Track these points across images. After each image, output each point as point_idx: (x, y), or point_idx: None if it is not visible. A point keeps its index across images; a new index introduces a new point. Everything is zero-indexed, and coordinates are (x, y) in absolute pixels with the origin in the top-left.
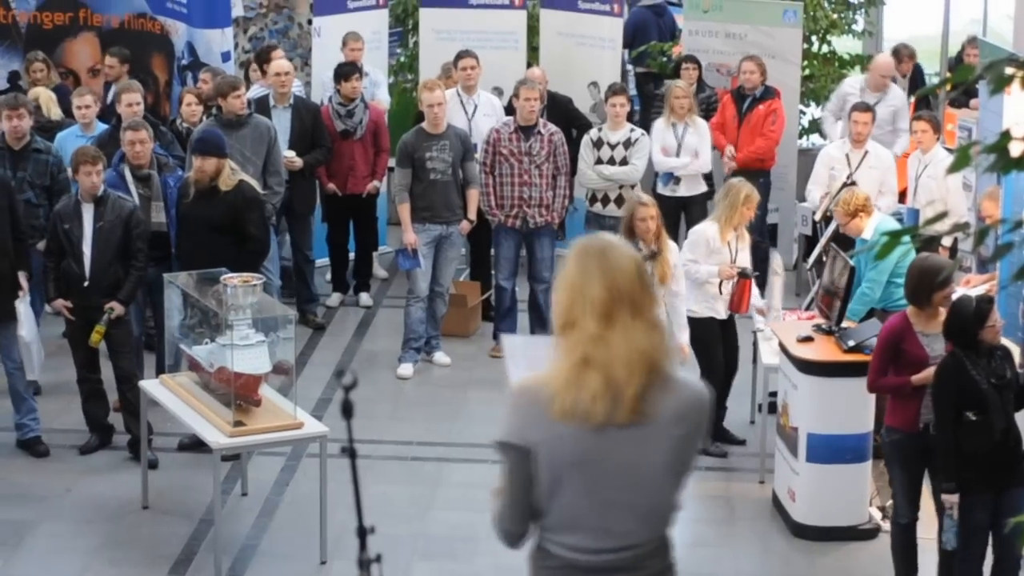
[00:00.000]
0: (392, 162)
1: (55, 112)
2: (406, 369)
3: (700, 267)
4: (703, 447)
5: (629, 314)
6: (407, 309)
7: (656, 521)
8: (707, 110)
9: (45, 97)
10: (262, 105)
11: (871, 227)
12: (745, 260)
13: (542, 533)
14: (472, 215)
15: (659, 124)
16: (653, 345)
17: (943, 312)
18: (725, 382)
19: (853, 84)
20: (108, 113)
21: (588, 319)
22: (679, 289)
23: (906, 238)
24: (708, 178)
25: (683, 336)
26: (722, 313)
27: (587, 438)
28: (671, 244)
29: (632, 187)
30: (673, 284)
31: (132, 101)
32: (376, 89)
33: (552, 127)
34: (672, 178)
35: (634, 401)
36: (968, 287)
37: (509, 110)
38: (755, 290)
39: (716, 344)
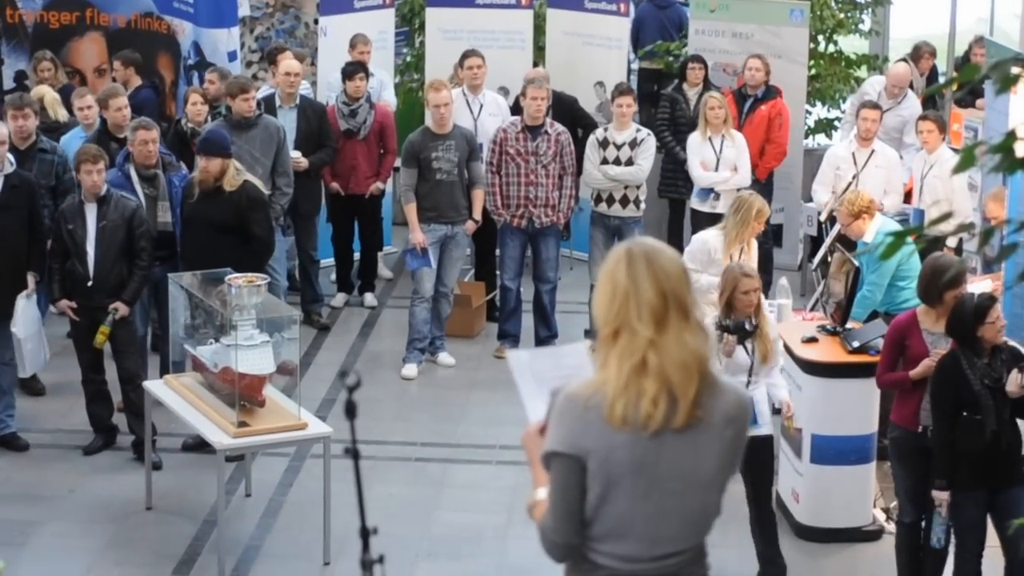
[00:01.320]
0: (398, 162)
1: (61, 113)
2: (410, 370)
3: (700, 276)
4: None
5: (680, 317)
6: (412, 309)
7: (701, 527)
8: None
9: (50, 98)
10: (268, 105)
11: (873, 229)
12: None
13: (587, 543)
14: (477, 215)
15: (695, 138)
16: (703, 347)
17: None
18: None
19: (874, 84)
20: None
21: (642, 324)
22: (778, 364)
23: (908, 240)
24: None
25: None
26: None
27: (644, 444)
28: (770, 318)
29: (637, 187)
30: (772, 360)
31: (121, 105)
32: (383, 90)
33: (559, 127)
34: (712, 194)
35: (691, 405)
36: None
37: (515, 110)
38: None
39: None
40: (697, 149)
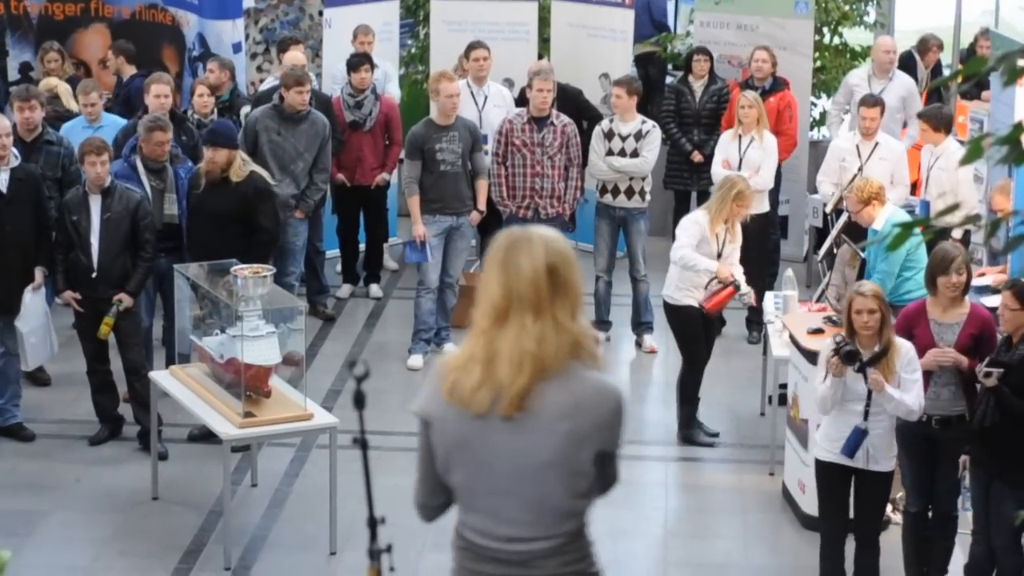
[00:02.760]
0: (403, 154)
1: (74, 105)
2: (416, 360)
3: (700, 258)
4: (609, 448)
5: (529, 315)
6: (417, 300)
7: (549, 519)
8: (718, 102)
9: (63, 89)
10: (272, 97)
11: (883, 217)
12: (734, 258)
13: (457, 512)
14: (482, 205)
15: (726, 136)
16: (549, 345)
17: (961, 304)
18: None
19: (859, 75)
20: (119, 104)
21: (483, 317)
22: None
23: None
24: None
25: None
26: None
27: (470, 422)
28: (901, 344)
29: (643, 179)
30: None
31: (161, 93)
32: (387, 82)
33: (565, 118)
34: None
35: (517, 398)
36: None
37: (520, 101)
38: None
39: (699, 333)
40: (723, 147)
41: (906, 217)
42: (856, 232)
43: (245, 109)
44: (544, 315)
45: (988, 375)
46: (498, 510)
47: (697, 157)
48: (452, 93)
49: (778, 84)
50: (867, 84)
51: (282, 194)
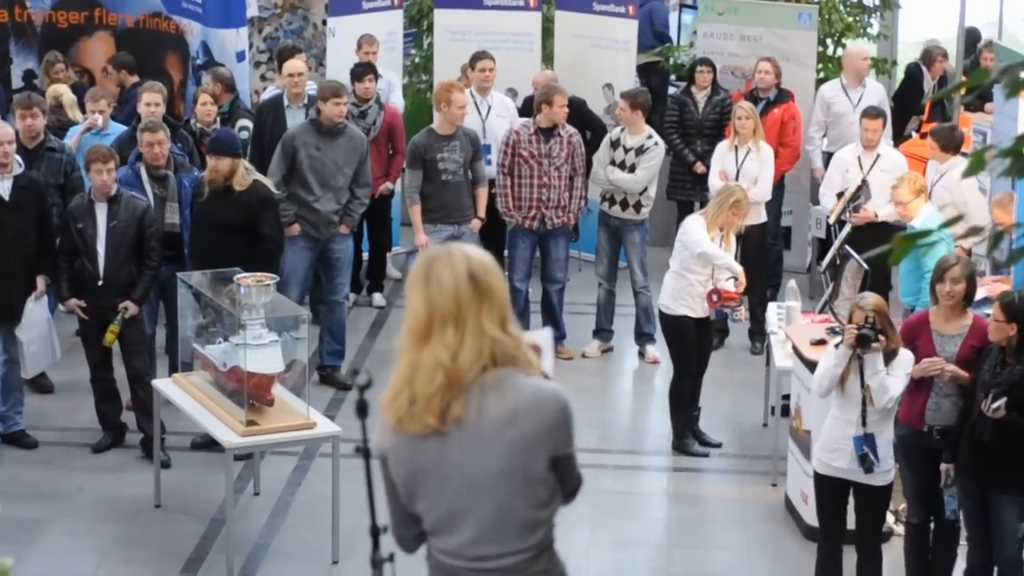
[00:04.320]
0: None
1: (79, 115)
2: None
3: (725, 255)
4: (560, 452)
5: (451, 326)
6: None
7: (513, 533)
8: (721, 113)
9: (68, 99)
10: (276, 105)
11: (922, 215)
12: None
13: (428, 536)
14: (482, 212)
15: (722, 146)
16: (468, 355)
17: (963, 315)
18: (696, 382)
19: (831, 87)
20: (121, 112)
21: (407, 337)
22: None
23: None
24: (778, 209)
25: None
26: (698, 311)
27: (417, 446)
28: (901, 352)
29: (641, 194)
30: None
31: (152, 101)
32: (391, 92)
33: (571, 129)
34: None
35: (437, 409)
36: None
37: (523, 111)
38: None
39: (692, 344)
40: (720, 158)
41: (939, 220)
42: (858, 243)
43: (242, 122)
44: (466, 325)
45: (996, 410)
46: (461, 529)
47: (700, 168)
48: (463, 104)
49: (783, 96)
50: (842, 94)
51: (324, 210)
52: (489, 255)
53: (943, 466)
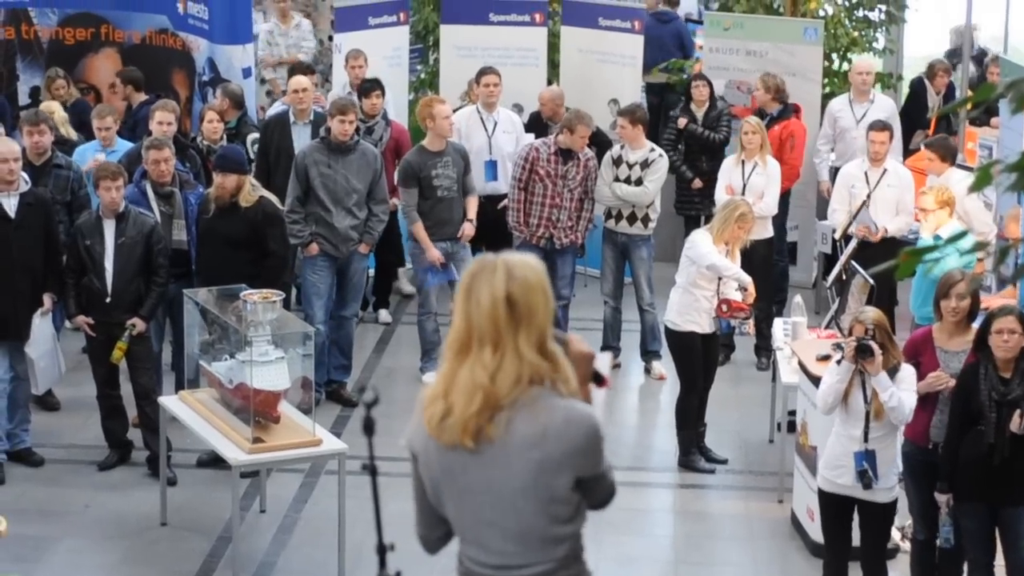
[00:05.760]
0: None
1: (72, 132)
2: (431, 377)
3: (733, 266)
4: (587, 473)
5: (488, 347)
6: (420, 322)
7: (535, 546)
8: (715, 127)
9: (59, 116)
10: (282, 121)
11: (947, 229)
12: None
13: (457, 541)
14: (471, 216)
15: (728, 161)
16: (507, 376)
17: (967, 331)
18: (703, 398)
19: (839, 101)
20: (129, 129)
21: (449, 349)
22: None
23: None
24: (782, 224)
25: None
26: (705, 327)
27: (446, 455)
28: (903, 367)
29: (647, 206)
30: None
31: (164, 120)
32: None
33: (589, 152)
34: None
35: (473, 430)
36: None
37: (529, 127)
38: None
39: (698, 360)
40: (727, 173)
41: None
42: (864, 258)
43: (252, 136)
44: (503, 347)
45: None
46: (486, 539)
47: (697, 184)
48: (446, 115)
49: (786, 112)
50: (849, 109)
51: (340, 227)
52: (538, 267)
53: (940, 497)
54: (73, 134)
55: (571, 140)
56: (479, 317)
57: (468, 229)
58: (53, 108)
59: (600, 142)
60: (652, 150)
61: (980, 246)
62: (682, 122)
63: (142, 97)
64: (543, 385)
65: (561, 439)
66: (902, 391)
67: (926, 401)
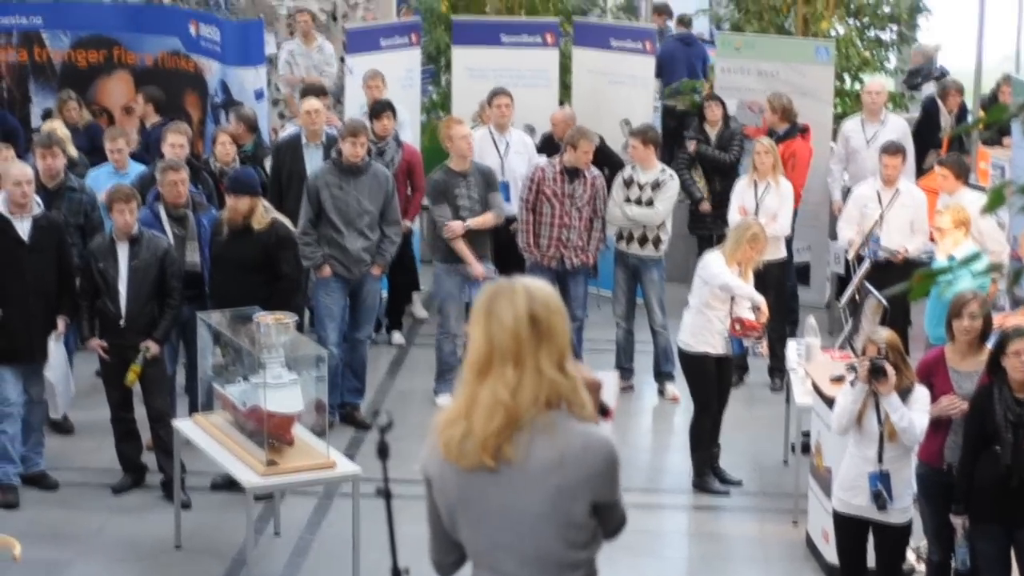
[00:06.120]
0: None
1: (71, 150)
2: (445, 400)
3: (745, 285)
4: (604, 499)
5: (510, 365)
6: (438, 342)
7: (551, 570)
8: (728, 147)
9: (63, 135)
10: (294, 144)
11: (962, 249)
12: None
13: (470, 566)
14: (477, 224)
15: (741, 182)
16: (526, 395)
17: (980, 352)
18: (716, 419)
19: (852, 122)
20: (143, 150)
21: (468, 369)
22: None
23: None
24: (790, 244)
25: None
26: (718, 348)
27: (464, 478)
28: (916, 388)
29: (658, 227)
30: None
31: (176, 143)
32: (401, 129)
33: (595, 171)
34: None
35: (492, 448)
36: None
37: (542, 148)
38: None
39: (712, 381)
40: (739, 194)
41: (974, 253)
42: (878, 279)
43: (269, 160)
44: (525, 365)
45: None
46: (501, 564)
47: (704, 207)
48: (464, 135)
49: (792, 132)
50: (860, 130)
51: (352, 248)
52: (553, 291)
53: (956, 520)
54: (74, 152)
55: (575, 157)
56: (501, 336)
57: (489, 219)
58: (55, 126)
59: (612, 163)
60: (663, 171)
61: (994, 267)
62: (691, 146)
63: (156, 118)
64: (560, 408)
65: (580, 465)
66: (914, 412)
67: (940, 422)
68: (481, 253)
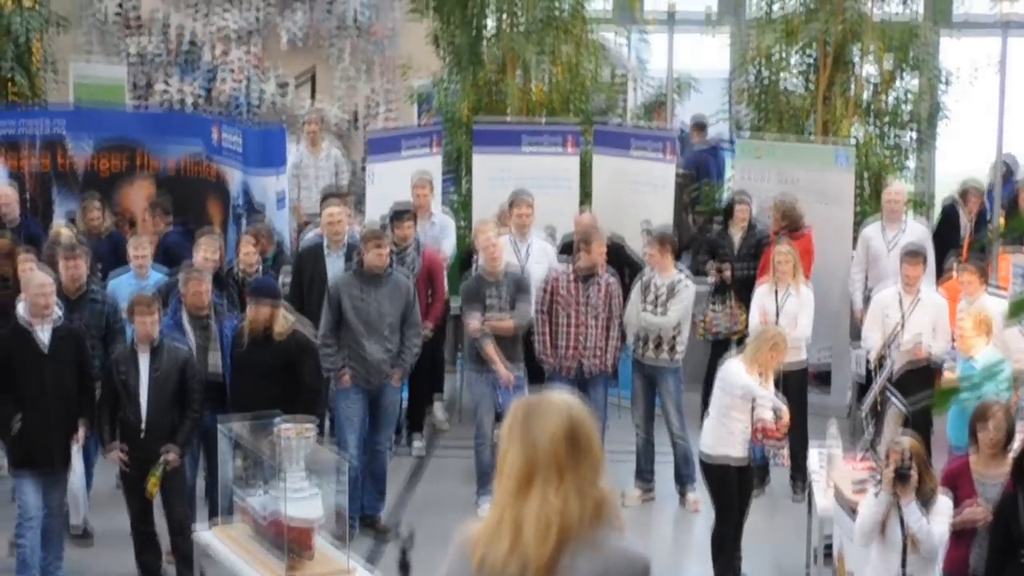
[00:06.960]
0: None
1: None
2: (486, 509)
3: (767, 393)
4: None
5: (553, 479)
6: (477, 450)
7: None
8: (756, 253)
9: (66, 236)
10: (316, 250)
11: (984, 355)
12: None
13: None
14: (498, 328)
15: (762, 288)
16: (573, 512)
17: (1004, 459)
18: (738, 527)
19: (872, 227)
20: (162, 256)
21: (506, 487)
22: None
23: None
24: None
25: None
26: (740, 453)
27: None
28: (939, 498)
29: (674, 334)
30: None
31: (209, 257)
32: (444, 238)
33: (610, 275)
34: None
35: (544, 568)
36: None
37: (564, 250)
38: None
39: (733, 489)
40: (760, 299)
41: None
42: (899, 384)
43: (285, 268)
44: (566, 481)
45: None
46: None
47: (713, 277)
48: (489, 242)
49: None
50: (880, 235)
51: (372, 357)
52: (584, 407)
53: None
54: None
55: (590, 258)
56: (540, 452)
57: (472, 324)
58: (60, 230)
59: (632, 265)
60: (679, 278)
61: (1017, 377)
62: (714, 275)
63: (168, 226)
64: (601, 521)
65: None
66: (935, 523)
67: (964, 532)
68: (512, 357)
